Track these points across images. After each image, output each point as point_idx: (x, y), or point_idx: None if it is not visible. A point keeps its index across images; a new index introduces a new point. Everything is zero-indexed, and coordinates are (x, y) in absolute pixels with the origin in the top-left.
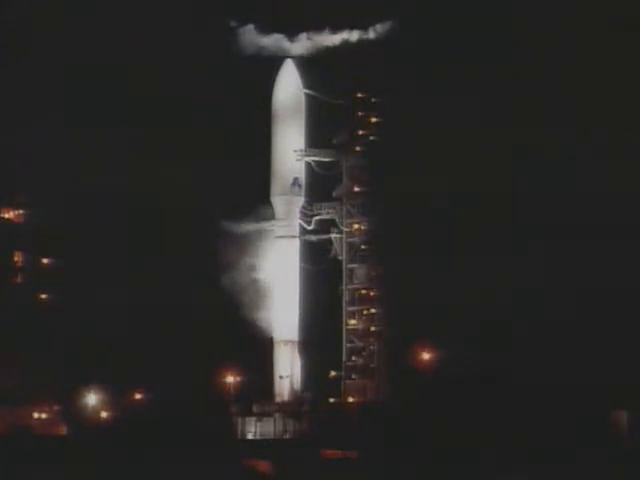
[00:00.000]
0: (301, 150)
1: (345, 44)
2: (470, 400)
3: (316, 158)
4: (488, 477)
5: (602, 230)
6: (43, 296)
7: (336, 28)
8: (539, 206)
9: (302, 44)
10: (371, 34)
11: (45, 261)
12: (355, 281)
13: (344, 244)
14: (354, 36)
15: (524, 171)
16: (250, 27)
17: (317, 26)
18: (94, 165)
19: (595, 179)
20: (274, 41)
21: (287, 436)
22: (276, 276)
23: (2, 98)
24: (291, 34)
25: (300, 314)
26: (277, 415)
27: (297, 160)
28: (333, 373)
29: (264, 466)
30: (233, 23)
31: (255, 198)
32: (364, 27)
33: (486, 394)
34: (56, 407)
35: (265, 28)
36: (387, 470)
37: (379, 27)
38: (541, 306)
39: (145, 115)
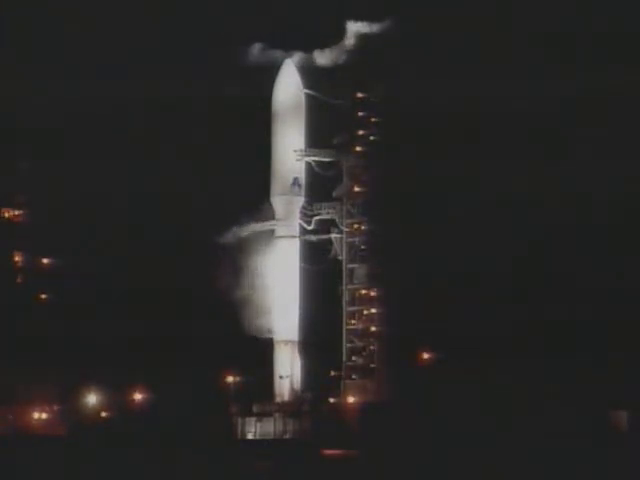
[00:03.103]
0: (301, 150)
1: (344, 44)
2: (469, 400)
3: (316, 158)
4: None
5: None
6: (43, 296)
7: (336, 27)
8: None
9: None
10: (371, 33)
11: (45, 261)
12: (355, 281)
13: (344, 244)
14: (354, 36)
15: (524, 173)
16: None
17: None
18: (94, 165)
19: None
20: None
21: (287, 436)
22: (276, 276)
23: (2, 98)
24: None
25: (300, 314)
26: (277, 415)
27: (297, 160)
28: (333, 373)
29: None
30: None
31: (255, 198)
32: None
33: (485, 394)
34: (56, 407)
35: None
36: (387, 470)
37: (379, 26)
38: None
39: (144, 115)
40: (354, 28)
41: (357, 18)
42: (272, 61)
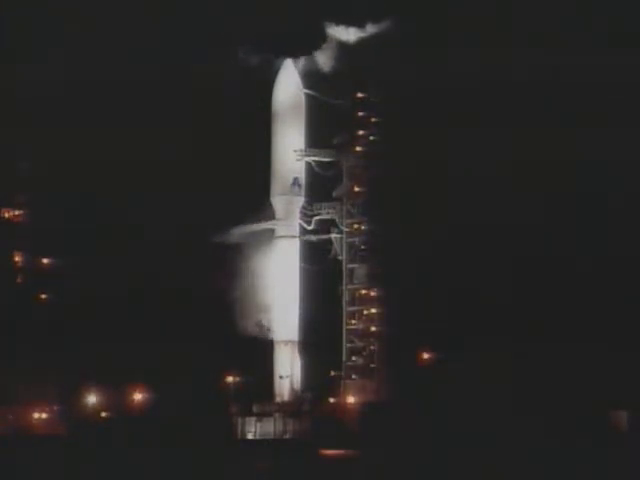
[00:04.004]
0: (301, 150)
1: (344, 44)
2: (469, 400)
3: (316, 158)
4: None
5: None
6: (43, 296)
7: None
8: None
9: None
10: (370, 33)
11: (45, 261)
12: (355, 281)
13: (344, 244)
14: (353, 35)
15: (523, 171)
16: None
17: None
18: (94, 165)
19: None
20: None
21: (287, 436)
22: (276, 276)
23: (3, 98)
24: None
25: (300, 314)
26: (277, 415)
27: (297, 160)
28: (333, 373)
29: None
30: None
31: (255, 198)
32: (363, 26)
33: (485, 393)
34: (56, 407)
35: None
36: (387, 470)
37: (378, 26)
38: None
39: (145, 115)
40: (335, 32)
41: (338, 22)
42: (261, 65)
